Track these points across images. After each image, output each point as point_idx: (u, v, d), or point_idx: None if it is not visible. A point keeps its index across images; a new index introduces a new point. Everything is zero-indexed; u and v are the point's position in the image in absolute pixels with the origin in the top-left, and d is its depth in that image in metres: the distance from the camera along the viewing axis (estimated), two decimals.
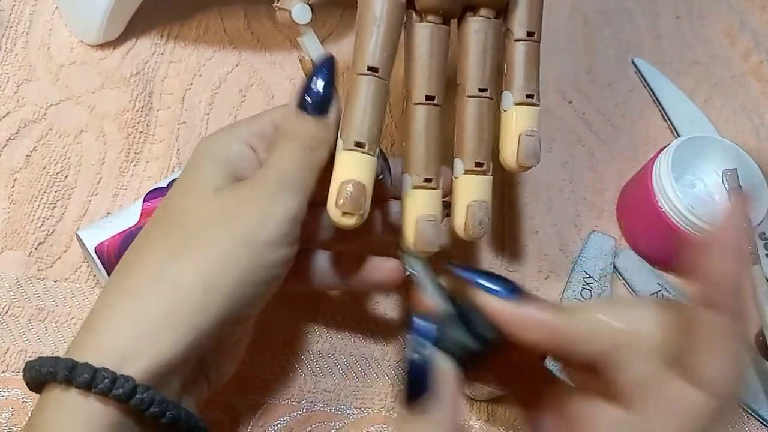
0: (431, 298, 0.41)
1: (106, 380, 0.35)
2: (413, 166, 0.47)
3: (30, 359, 0.45)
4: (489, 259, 0.62)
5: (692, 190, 0.64)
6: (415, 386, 0.35)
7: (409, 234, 0.46)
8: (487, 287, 0.37)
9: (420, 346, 0.35)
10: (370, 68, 0.45)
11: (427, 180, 0.47)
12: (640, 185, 0.63)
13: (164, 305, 0.38)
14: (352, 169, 0.44)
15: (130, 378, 0.35)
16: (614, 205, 0.67)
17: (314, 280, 0.49)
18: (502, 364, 0.40)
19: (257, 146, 0.44)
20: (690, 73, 0.76)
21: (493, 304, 0.36)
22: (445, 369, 0.35)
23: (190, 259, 0.39)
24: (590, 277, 0.61)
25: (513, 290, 0.37)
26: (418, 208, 0.46)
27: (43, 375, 0.36)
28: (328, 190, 0.44)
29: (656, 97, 0.73)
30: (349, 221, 0.43)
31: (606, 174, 0.69)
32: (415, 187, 0.46)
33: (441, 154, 0.48)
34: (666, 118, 0.73)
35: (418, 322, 0.36)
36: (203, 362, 0.42)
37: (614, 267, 0.63)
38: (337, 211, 0.43)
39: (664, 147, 0.62)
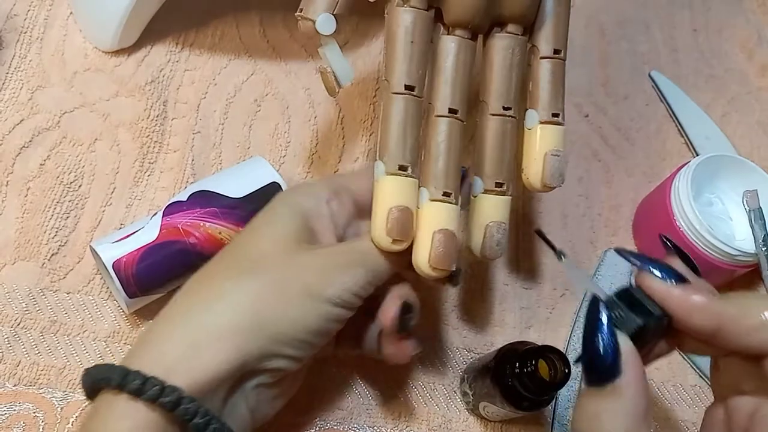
0: (591, 286, 0.41)
1: (155, 388, 0.37)
2: (432, 178, 0.45)
3: (41, 372, 0.51)
4: (503, 276, 0.61)
5: (710, 208, 0.64)
6: (603, 366, 0.36)
7: (423, 250, 0.44)
8: (656, 273, 0.38)
9: (605, 328, 0.36)
10: (407, 87, 0.44)
11: (446, 194, 0.45)
12: (658, 203, 0.62)
13: (219, 323, 0.40)
14: (398, 195, 0.44)
15: (177, 388, 0.37)
16: (630, 222, 0.67)
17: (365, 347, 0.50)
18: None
19: (332, 200, 0.47)
20: (706, 88, 0.76)
21: (662, 288, 0.37)
22: (629, 348, 0.36)
23: (254, 289, 0.41)
24: None
25: (680, 278, 0.38)
26: (435, 222, 0.44)
27: (98, 381, 0.38)
28: None
29: (673, 112, 0.73)
30: (398, 247, 0.43)
31: (622, 190, 0.68)
32: (433, 200, 0.45)
33: (460, 169, 0.47)
34: (683, 133, 0.72)
35: (601, 306, 0.37)
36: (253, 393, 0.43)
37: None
38: (387, 238, 0.43)
39: (683, 165, 0.61)
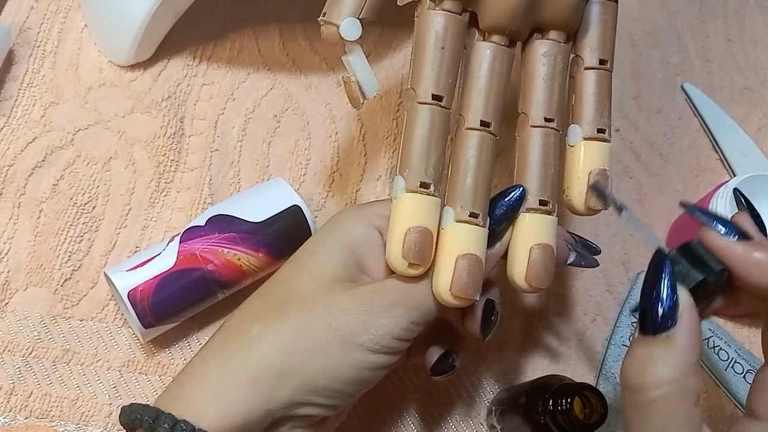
0: (654, 240, 0.40)
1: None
2: (459, 197, 0.41)
3: (53, 403, 0.50)
4: (530, 300, 0.59)
5: None
6: (660, 316, 0.36)
7: (445, 275, 0.40)
8: (720, 229, 0.38)
9: (666, 280, 0.36)
10: (434, 97, 0.41)
11: (473, 215, 0.41)
12: (693, 224, 0.59)
13: (250, 371, 0.39)
14: (418, 215, 0.40)
15: None
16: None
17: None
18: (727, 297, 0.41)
19: (384, 228, 0.43)
20: (741, 101, 0.73)
21: (724, 243, 0.37)
22: (687, 300, 0.36)
23: (284, 337, 0.40)
24: None
25: (743, 236, 0.38)
26: (459, 245, 0.41)
27: (132, 421, 0.38)
28: None
29: (707, 126, 0.70)
30: (415, 272, 0.40)
31: (655, 208, 0.65)
32: (459, 221, 0.41)
33: (490, 188, 0.43)
34: (717, 149, 0.69)
35: (664, 258, 0.37)
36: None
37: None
38: (403, 262, 0.40)
39: (720, 185, 0.59)
